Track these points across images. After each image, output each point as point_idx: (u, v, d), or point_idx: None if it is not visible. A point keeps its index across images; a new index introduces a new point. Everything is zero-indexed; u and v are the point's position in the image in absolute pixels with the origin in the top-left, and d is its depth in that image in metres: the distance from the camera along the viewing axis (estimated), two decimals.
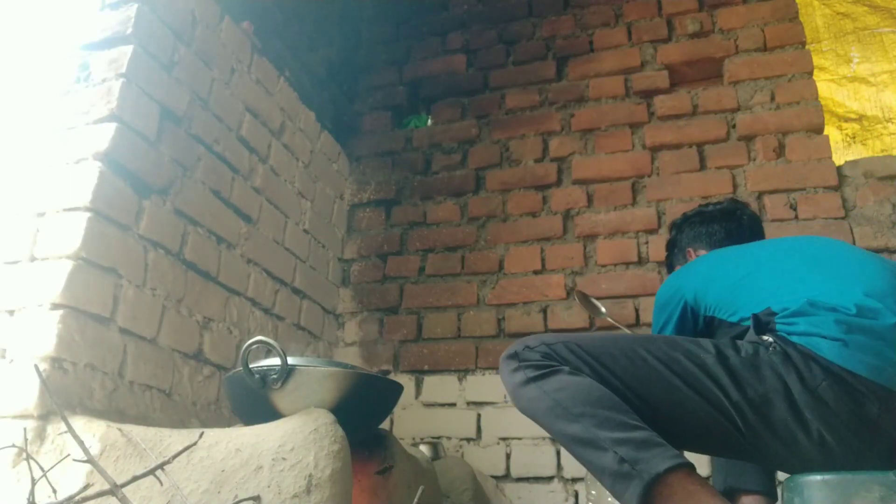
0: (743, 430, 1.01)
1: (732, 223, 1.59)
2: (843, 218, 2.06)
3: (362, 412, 1.24)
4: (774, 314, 1.12)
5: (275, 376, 1.15)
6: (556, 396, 1.00)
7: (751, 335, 1.12)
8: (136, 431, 1.16)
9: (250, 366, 1.16)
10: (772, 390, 1.00)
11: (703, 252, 1.57)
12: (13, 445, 1.21)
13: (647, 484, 0.88)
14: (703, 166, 2.28)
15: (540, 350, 1.07)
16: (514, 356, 1.08)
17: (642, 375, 1.03)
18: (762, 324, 1.12)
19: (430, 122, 2.74)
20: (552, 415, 1.01)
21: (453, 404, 2.23)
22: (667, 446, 0.94)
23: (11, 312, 1.40)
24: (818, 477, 0.92)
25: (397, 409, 2.20)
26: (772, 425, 1.00)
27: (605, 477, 0.95)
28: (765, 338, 1.07)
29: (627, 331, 2.00)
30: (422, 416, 2.24)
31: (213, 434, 1.12)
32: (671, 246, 1.71)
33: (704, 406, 1.01)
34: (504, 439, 2.13)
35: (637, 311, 2.15)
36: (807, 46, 2.32)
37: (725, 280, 1.30)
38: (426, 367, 2.30)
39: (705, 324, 1.32)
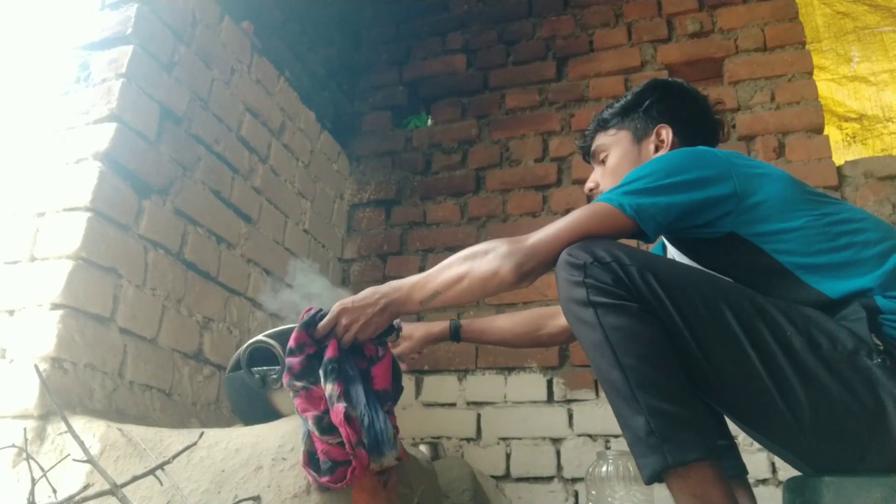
0: (803, 426, 0.91)
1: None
2: None
3: None
4: (878, 307, 0.94)
5: (275, 376, 1.14)
6: (611, 334, 0.91)
7: (853, 320, 0.93)
8: (136, 431, 1.17)
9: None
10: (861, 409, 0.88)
11: (681, 145, 1.24)
12: (13, 445, 1.22)
13: (668, 466, 0.85)
14: None
15: (612, 271, 0.94)
16: (581, 268, 0.95)
17: (716, 336, 0.93)
18: (872, 312, 0.93)
19: (430, 122, 2.73)
20: (598, 350, 0.92)
21: (453, 404, 2.23)
22: (702, 431, 0.88)
23: (11, 312, 1.40)
24: (819, 478, 0.91)
25: (397, 409, 2.20)
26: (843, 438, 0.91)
27: (630, 437, 0.90)
28: (875, 341, 0.90)
29: None
30: (422, 416, 2.24)
31: (213, 434, 1.12)
32: (630, 108, 1.32)
33: (771, 390, 0.91)
34: (504, 439, 2.13)
35: None
36: (807, 46, 2.31)
37: (819, 220, 1.03)
38: (426, 367, 2.29)
39: (737, 247, 1.04)
